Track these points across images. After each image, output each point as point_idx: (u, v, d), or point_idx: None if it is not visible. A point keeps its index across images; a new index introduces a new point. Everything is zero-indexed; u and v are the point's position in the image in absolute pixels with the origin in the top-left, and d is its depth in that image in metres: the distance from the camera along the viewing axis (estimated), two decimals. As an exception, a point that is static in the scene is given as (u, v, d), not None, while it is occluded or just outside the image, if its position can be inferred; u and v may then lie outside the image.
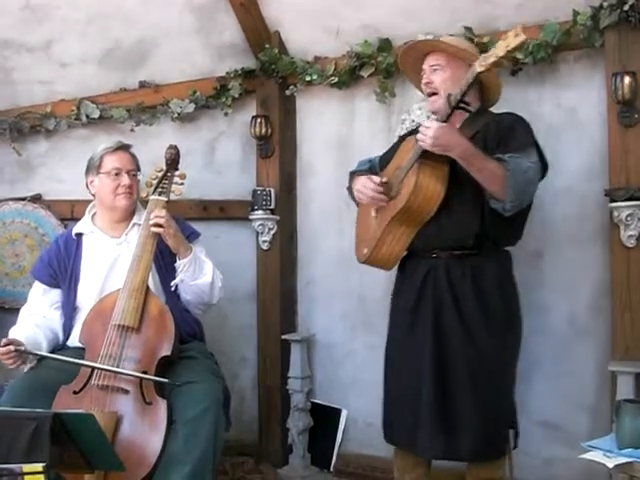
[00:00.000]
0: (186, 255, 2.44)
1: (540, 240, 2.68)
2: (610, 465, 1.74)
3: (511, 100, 2.49)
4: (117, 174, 2.50)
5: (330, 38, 3.07)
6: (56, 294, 2.52)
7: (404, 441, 2.27)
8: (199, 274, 2.47)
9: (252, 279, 3.29)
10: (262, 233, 3.21)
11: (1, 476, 1.46)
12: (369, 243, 2.33)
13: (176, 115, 3.34)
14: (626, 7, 2.39)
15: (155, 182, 2.58)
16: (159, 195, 2.55)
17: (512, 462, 2.18)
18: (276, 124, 3.22)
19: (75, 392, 2.15)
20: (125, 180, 2.50)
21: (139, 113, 3.39)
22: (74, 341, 2.40)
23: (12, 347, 2.19)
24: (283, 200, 3.24)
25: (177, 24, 3.19)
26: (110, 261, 2.48)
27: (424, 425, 2.14)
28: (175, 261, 2.46)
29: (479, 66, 1.98)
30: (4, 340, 2.21)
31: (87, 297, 2.44)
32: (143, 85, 3.40)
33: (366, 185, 2.31)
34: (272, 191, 3.19)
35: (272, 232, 3.21)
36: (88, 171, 2.56)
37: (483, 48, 2.47)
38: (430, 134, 2.03)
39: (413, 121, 2.86)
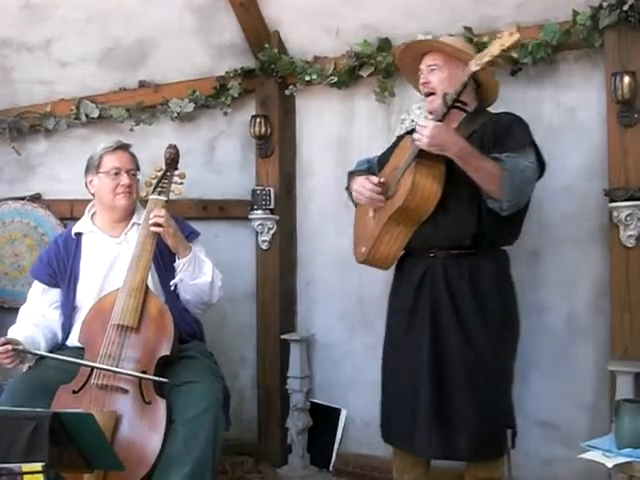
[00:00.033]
0: (185, 254, 2.44)
1: (540, 240, 2.68)
2: (609, 465, 1.74)
3: (511, 100, 2.49)
4: (116, 173, 2.50)
5: (330, 38, 3.07)
6: (55, 294, 2.52)
7: (401, 441, 2.27)
8: (198, 273, 2.47)
9: (251, 279, 3.29)
10: (262, 233, 3.21)
11: (0, 475, 1.46)
12: (367, 242, 2.34)
13: (176, 115, 3.34)
14: (626, 7, 2.39)
15: (154, 182, 2.58)
16: (158, 195, 2.55)
17: (511, 462, 2.18)
18: (276, 124, 3.22)
19: (74, 392, 2.15)
20: (124, 180, 2.50)
21: (139, 113, 3.39)
22: (73, 341, 2.40)
23: (10, 346, 2.19)
24: (283, 200, 3.24)
25: (177, 24, 3.19)
26: (109, 260, 2.48)
27: (421, 425, 2.14)
28: (174, 261, 2.46)
29: (474, 65, 1.99)
30: (2, 339, 2.21)
31: (86, 297, 2.44)
32: (143, 85, 3.40)
33: (364, 185, 2.31)
34: (272, 191, 3.19)
35: (271, 232, 3.21)
36: (87, 171, 2.56)
37: (483, 48, 2.45)
38: (426, 133, 2.03)
39: (412, 121, 2.86)
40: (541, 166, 2.19)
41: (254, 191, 3.20)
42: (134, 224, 2.55)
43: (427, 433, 2.13)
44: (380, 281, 2.77)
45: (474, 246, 2.18)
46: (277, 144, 3.23)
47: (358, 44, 2.97)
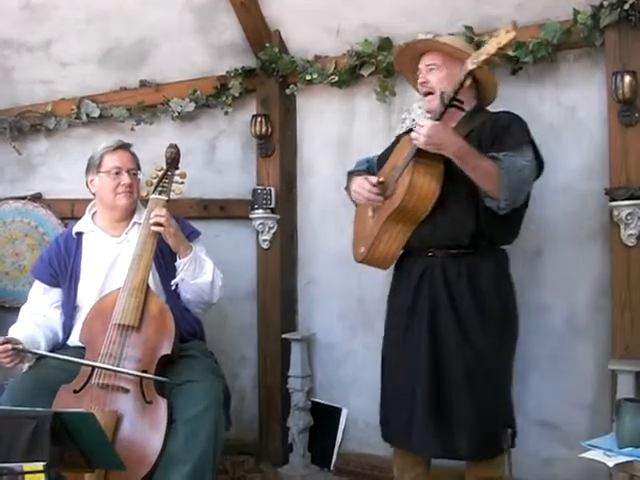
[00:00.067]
0: (186, 254, 2.44)
1: (540, 239, 2.68)
2: (610, 464, 1.74)
3: (511, 99, 2.49)
4: (117, 173, 2.50)
5: (330, 37, 3.07)
6: (56, 293, 2.52)
7: (399, 439, 2.27)
8: (199, 273, 2.47)
9: (252, 278, 3.29)
10: (262, 232, 3.22)
11: (1, 475, 1.47)
12: (366, 242, 2.34)
13: (176, 114, 3.34)
14: (626, 6, 2.39)
15: (155, 181, 2.58)
16: (159, 194, 2.55)
17: (511, 461, 2.18)
18: (276, 123, 3.22)
19: (75, 391, 2.15)
20: (125, 179, 2.50)
21: (139, 112, 3.39)
22: (74, 340, 2.40)
23: (9, 345, 2.19)
24: (283, 199, 3.24)
25: (177, 23, 3.19)
26: (110, 260, 2.48)
27: (418, 423, 2.15)
28: (175, 260, 2.46)
29: (471, 63, 1.98)
30: (1, 339, 2.21)
31: (87, 296, 2.44)
32: (143, 84, 3.40)
33: (362, 186, 2.31)
34: (272, 190, 3.19)
35: (272, 231, 3.21)
36: (88, 170, 2.56)
37: (483, 48, 2.47)
38: (423, 132, 2.03)
39: (413, 120, 2.85)
40: (539, 165, 2.19)
41: (255, 190, 3.20)
42: (135, 224, 2.55)
43: (424, 431, 2.13)
44: (381, 281, 2.76)
45: (473, 245, 2.18)
46: (278, 143, 3.23)
47: (359, 43, 2.97)
